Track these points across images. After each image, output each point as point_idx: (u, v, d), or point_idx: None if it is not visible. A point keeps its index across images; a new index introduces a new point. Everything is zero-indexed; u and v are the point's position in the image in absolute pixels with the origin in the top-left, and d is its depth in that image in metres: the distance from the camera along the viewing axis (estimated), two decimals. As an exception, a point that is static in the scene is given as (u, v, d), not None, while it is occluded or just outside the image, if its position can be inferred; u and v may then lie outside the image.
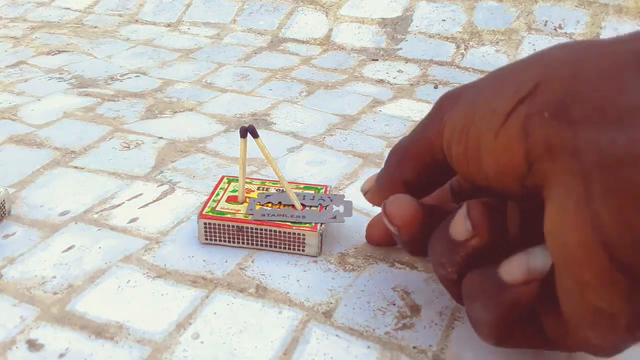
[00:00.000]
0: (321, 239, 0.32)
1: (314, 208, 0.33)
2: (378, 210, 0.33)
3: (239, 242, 0.33)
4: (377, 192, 0.29)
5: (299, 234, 0.32)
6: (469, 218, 0.23)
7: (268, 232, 0.32)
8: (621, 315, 0.19)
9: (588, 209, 0.18)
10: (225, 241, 0.33)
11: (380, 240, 0.33)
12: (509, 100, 0.21)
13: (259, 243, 0.33)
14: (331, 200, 0.34)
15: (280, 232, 0.32)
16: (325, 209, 0.33)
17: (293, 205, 0.33)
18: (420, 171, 0.27)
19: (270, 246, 0.33)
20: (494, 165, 0.21)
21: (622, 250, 0.17)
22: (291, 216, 0.32)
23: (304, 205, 0.34)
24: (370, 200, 0.30)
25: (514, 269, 0.21)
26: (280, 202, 0.34)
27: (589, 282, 0.18)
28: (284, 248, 0.33)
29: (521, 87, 0.20)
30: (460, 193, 0.29)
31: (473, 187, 0.25)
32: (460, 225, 0.23)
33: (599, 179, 0.17)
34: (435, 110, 0.26)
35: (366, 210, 0.37)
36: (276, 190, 0.35)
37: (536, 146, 0.19)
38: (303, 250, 0.32)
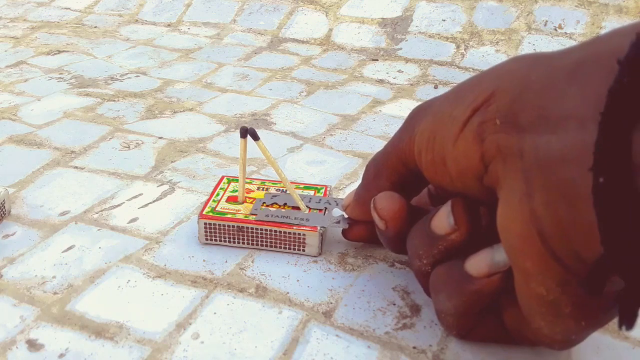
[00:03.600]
0: (321, 239, 0.32)
1: (315, 211, 0.33)
2: None
3: (239, 242, 0.33)
4: (356, 205, 0.31)
5: (299, 234, 0.32)
6: (452, 214, 0.25)
7: (268, 232, 0.32)
8: (563, 303, 0.20)
9: (527, 204, 0.20)
10: (225, 241, 0.33)
11: (360, 236, 0.33)
12: (466, 109, 0.23)
13: (259, 243, 0.33)
14: (337, 204, 0.34)
15: (280, 232, 0.32)
16: (330, 212, 0.33)
17: (298, 207, 0.33)
18: (396, 182, 0.29)
19: (271, 246, 0.33)
20: (455, 168, 0.23)
21: (554, 241, 0.19)
22: (294, 218, 0.32)
23: (309, 208, 0.33)
24: (350, 215, 0.32)
25: (480, 262, 0.24)
26: (285, 204, 0.34)
27: (529, 269, 0.20)
28: (284, 248, 0.33)
29: (477, 97, 0.23)
30: (437, 196, 0.30)
31: (444, 192, 0.27)
32: (443, 220, 0.25)
33: (537, 177, 0.19)
34: (407, 123, 0.28)
35: (366, 210, 0.37)
36: (277, 190, 0.35)
37: (489, 150, 0.22)
38: (303, 250, 0.32)
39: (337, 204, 0.34)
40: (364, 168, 0.31)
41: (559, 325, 0.21)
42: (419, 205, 0.30)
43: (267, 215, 0.33)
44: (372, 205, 0.28)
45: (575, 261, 0.19)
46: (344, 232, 0.33)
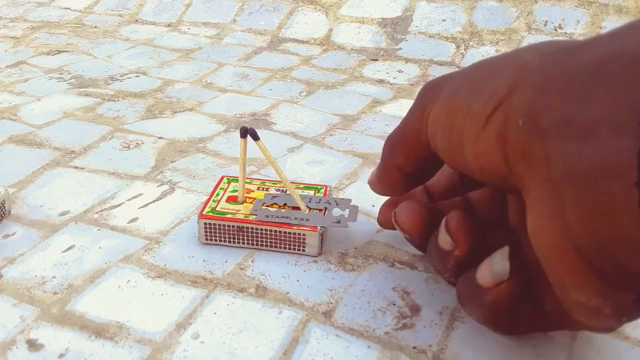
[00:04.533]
0: (321, 239, 0.32)
1: (315, 211, 0.33)
2: (381, 202, 0.33)
3: (239, 242, 0.33)
4: (376, 181, 0.30)
5: (299, 233, 0.32)
6: (447, 232, 0.24)
7: (268, 232, 0.32)
8: (604, 307, 0.19)
9: (561, 216, 0.18)
10: (225, 241, 0.33)
11: (386, 221, 0.33)
12: (486, 103, 0.21)
13: (259, 243, 0.33)
14: (337, 204, 0.34)
15: (280, 232, 0.32)
16: (330, 212, 0.33)
17: (298, 207, 0.33)
18: (410, 157, 0.28)
19: (271, 246, 0.33)
20: (476, 163, 0.22)
21: (591, 255, 0.18)
22: (294, 218, 0.32)
23: (310, 208, 0.33)
24: (373, 190, 0.31)
25: (484, 274, 0.23)
26: (285, 204, 0.34)
27: (567, 281, 0.19)
28: (284, 248, 0.33)
29: (497, 90, 0.21)
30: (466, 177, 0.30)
31: (449, 188, 0.27)
32: (443, 237, 0.25)
33: (569, 189, 0.18)
34: (418, 101, 0.27)
35: (366, 211, 0.37)
36: (277, 190, 0.35)
37: (513, 152, 0.20)
38: (303, 250, 0.32)
39: (337, 204, 0.34)
40: (383, 144, 0.30)
41: (600, 322, 0.21)
42: (451, 186, 0.30)
43: (267, 216, 0.33)
44: (393, 218, 0.28)
45: (620, 275, 0.18)
46: (378, 219, 0.33)
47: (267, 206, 0.34)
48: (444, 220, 0.25)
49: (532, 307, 0.25)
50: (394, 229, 0.32)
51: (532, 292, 0.24)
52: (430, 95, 0.25)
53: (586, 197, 0.17)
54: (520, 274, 0.23)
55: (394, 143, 0.28)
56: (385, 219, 0.32)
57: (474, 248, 0.24)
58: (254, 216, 0.33)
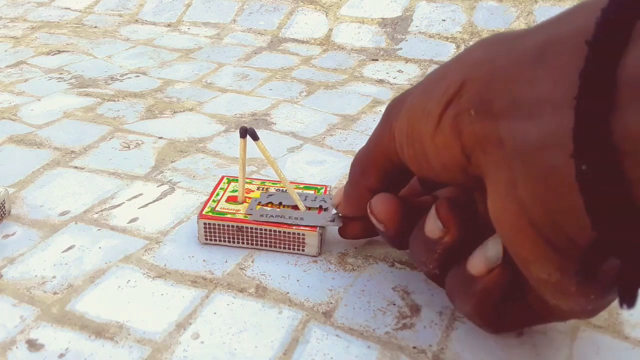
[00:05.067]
0: (321, 239, 0.32)
1: (314, 209, 0.33)
2: None
3: (239, 242, 0.33)
4: (346, 203, 0.31)
5: (298, 233, 0.32)
6: (438, 218, 0.24)
7: (268, 232, 0.32)
8: (566, 284, 0.20)
9: (514, 193, 0.19)
10: (225, 241, 0.33)
11: (356, 233, 0.33)
12: (438, 102, 0.22)
13: (259, 243, 0.33)
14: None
15: (280, 232, 0.32)
16: (325, 211, 0.33)
17: (295, 206, 0.33)
18: (382, 176, 0.28)
19: (270, 246, 0.33)
20: (438, 161, 0.23)
21: (546, 228, 0.19)
22: (289, 217, 0.32)
23: (308, 207, 0.33)
24: (342, 212, 0.32)
25: (476, 261, 0.24)
26: (281, 203, 0.34)
27: (527, 257, 0.20)
28: (284, 248, 0.33)
29: (447, 89, 0.22)
30: (425, 183, 0.30)
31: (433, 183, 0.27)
32: (432, 224, 0.25)
33: (518, 165, 0.19)
34: (384, 119, 0.27)
35: (366, 210, 0.37)
36: (276, 190, 0.35)
37: (469, 141, 0.21)
38: (303, 250, 0.32)
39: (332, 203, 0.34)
40: (350, 165, 0.30)
41: (570, 301, 0.21)
42: (410, 193, 0.30)
43: (262, 215, 0.32)
44: (368, 208, 0.28)
45: (569, 246, 0.19)
46: (340, 230, 0.33)
47: (262, 205, 0.34)
48: (433, 208, 0.25)
49: (516, 301, 0.25)
50: (359, 237, 0.33)
51: (514, 287, 0.24)
52: (395, 111, 0.26)
53: (533, 170, 0.19)
54: (508, 261, 0.23)
55: (364, 164, 0.29)
56: (351, 231, 0.33)
57: (462, 235, 0.25)
58: (250, 215, 0.33)
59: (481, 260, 0.23)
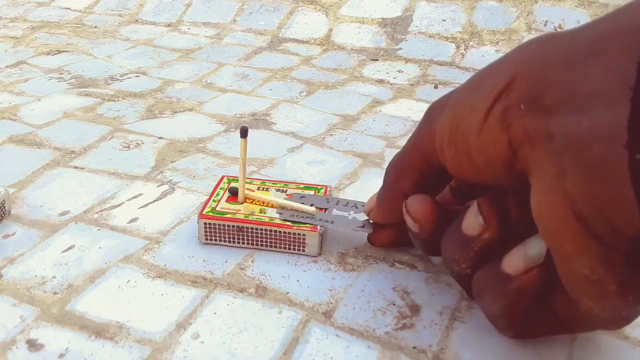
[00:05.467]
0: (321, 239, 0.32)
1: (342, 214, 0.33)
2: None
3: (239, 242, 0.33)
4: (379, 209, 0.31)
5: (299, 234, 0.32)
6: (480, 213, 0.24)
7: (268, 232, 0.32)
8: (607, 281, 0.20)
9: (560, 186, 0.19)
10: (225, 241, 0.33)
11: (385, 241, 0.33)
12: (486, 98, 0.22)
13: (259, 243, 0.33)
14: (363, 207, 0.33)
15: (280, 232, 0.32)
16: (356, 216, 0.33)
17: (320, 208, 0.33)
18: (418, 180, 0.28)
19: (271, 246, 0.33)
20: (482, 158, 0.23)
21: (592, 220, 0.19)
22: (319, 220, 0.32)
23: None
24: (374, 219, 0.32)
25: (514, 260, 0.23)
26: (312, 205, 0.34)
27: (569, 252, 0.20)
28: (284, 248, 0.33)
29: (497, 85, 0.22)
30: (459, 192, 0.30)
31: (470, 186, 0.27)
32: (472, 221, 0.25)
33: (568, 158, 0.19)
34: (425, 120, 0.27)
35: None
36: (276, 190, 0.35)
37: (517, 135, 0.21)
38: (303, 250, 0.32)
39: (363, 207, 0.33)
40: (385, 171, 0.30)
41: (606, 303, 0.21)
42: (442, 203, 0.30)
43: (292, 215, 0.32)
44: (404, 208, 0.28)
45: (615, 238, 0.19)
46: (369, 237, 0.33)
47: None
48: (474, 204, 0.25)
49: (542, 308, 0.25)
50: (390, 246, 0.33)
51: (543, 293, 0.24)
52: (437, 112, 0.26)
53: (583, 163, 0.19)
54: (545, 263, 0.23)
55: (400, 168, 0.29)
56: (381, 238, 0.32)
57: (501, 233, 0.24)
58: (280, 215, 0.33)
59: (520, 258, 0.23)
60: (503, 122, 0.22)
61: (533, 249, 0.23)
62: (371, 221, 0.32)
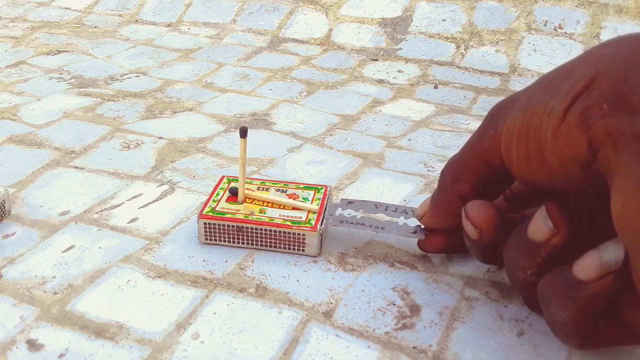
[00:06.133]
0: (321, 239, 0.32)
1: (394, 220, 0.33)
2: None
3: (239, 242, 0.33)
4: (433, 214, 0.30)
5: (298, 234, 0.32)
6: (549, 217, 0.24)
7: (268, 232, 0.32)
8: None
9: None
10: (225, 241, 0.33)
11: (438, 247, 0.32)
12: (564, 98, 0.22)
13: (259, 243, 0.33)
14: (414, 214, 0.32)
15: (280, 232, 0.32)
16: (407, 221, 0.32)
17: (372, 213, 0.33)
18: (476, 183, 0.28)
19: (270, 246, 0.33)
20: (557, 158, 0.22)
21: None
22: (369, 226, 0.32)
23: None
24: (427, 224, 0.31)
25: (588, 265, 0.22)
26: (361, 209, 0.33)
27: None
28: (284, 248, 0.33)
29: (575, 85, 0.22)
30: (514, 199, 0.30)
31: (532, 190, 0.26)
32: (540, 226, 0.24)
33: None
34: (488, 121, 0.27)
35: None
36: (277, 190, 0.35)
37: (598, 135, 0.20)
38: (303, 251, 0.32)
39: (414, 214, 0.33)
40: (440, 174, 0.29)
41: None
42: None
43: (342, 222, 0.32)
44: (463, 214, 0.27)
45: None
46: (420, 243, 0.32)
47: (342, 211, 0.33)
48: (542, 209, 0.24)
49: (610, 317, 0.24)
50: (444, 252, 0.32)
51: (611, 302, 0.23)
52: (503, 112, 0.26)
53: None
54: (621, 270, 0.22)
55: (457, 170, 0.28)
56: (435, 244, 0.32)
57: (571, 237, 0.24)
58: (331, 219, 0.32)
59: (595, 263, 0.22)
60: (583, 122, 0.21)
61: (609, 254, 0.22)
62: (423, 227, 0.31)
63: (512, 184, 0.29)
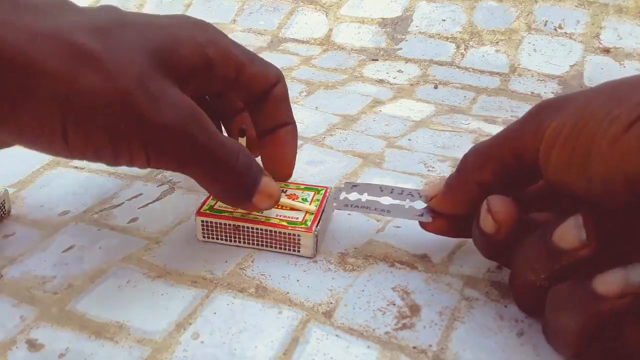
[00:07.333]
0: (316, 240, 0.32)
1: (399, 202, 0.32)
2: None
3: (236, 241, 0.33)
4: (446, 196, 0.29)
5: (294, 234, 0.32)
6: (584, 228, 0.23)
7: (264, 232, 0.32)
8: None
9: None
10: (222, 239, 0.33)
11: (441, 228, 0.31)
12: (632, 109, 0.21)
13: (255, 242, 0.33)
14: (420, 196, 0.32)
15: (276, 232, 0.32)
16: (413, 204, 0.32)
17: (378, 197, 0.32)
18: (500, 174, 0.27)
19: (266, 246, 0.33)
20: (604, 169, 0.21)
21: None
22: (375, 209, 0.31)
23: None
24: (436, 206, 0.30)
25: (612, 281, 0.22)
26: (366, 193, 0.33)
27: None
28: (280, 248, 0.33)
29: None
30: (529, 200, 0.29)
31: (549, 194, 0.25)
32: (570, 234, 0.23)
33: None
34: (532, 116, 0.26)
35: (366, 210, 0.37)
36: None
37: None
38: (298, 251, 0.32)
39: (420, 196, 0.32)
40: (462, 157, 0.28)
41: None
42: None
43: (347, 205, 0.32)
44: (485, 205, 0.26)
45: None
46: (422, 222, 0.31)
47: (347, 195, 0.33)
48: (576, 217, 0.23)
49: (610, 335, 0.23)
50: (446, 234, 0.31)
51: (616, 320, 0.23)
52: (551, 110, 0.25)
53: None
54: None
55: (483, 156, 0.27)
56: (439, 226, 0.31)
57: (598, 252, 0.23)
58: (335, 204, 0.32)
59: (619, 281, 0.21)
60: None
61: (637, 275, 0.21)
62: (429, 209, 0.31)
63: (532, 185, 0.28)
